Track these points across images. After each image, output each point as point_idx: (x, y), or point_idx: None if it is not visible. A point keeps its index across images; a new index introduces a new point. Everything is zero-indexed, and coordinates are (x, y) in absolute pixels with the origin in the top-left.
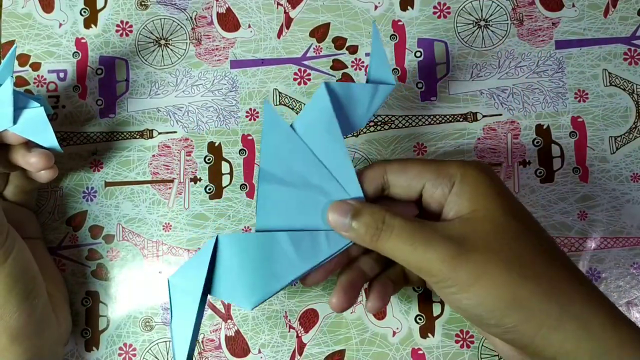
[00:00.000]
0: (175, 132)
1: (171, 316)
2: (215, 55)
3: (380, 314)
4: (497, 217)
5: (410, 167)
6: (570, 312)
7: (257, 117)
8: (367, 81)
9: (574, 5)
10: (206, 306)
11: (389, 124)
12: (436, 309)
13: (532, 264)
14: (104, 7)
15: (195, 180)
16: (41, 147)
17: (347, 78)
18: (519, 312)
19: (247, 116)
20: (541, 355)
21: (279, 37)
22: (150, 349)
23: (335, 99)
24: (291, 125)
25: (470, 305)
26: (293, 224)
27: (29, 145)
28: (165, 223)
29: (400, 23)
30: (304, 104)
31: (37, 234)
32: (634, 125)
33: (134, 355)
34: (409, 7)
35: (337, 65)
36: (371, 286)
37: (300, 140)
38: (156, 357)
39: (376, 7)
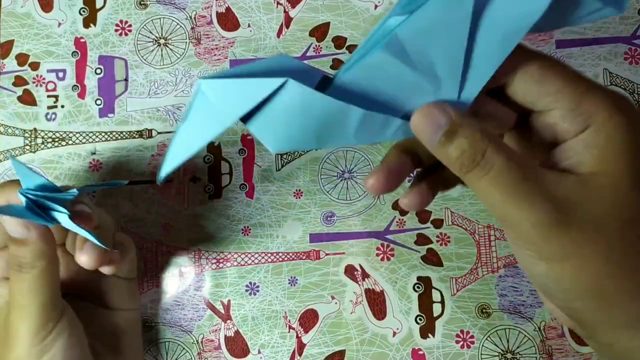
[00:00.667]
0: (174, 131)
1: (184, 120)
2: (215, 55)
3: (380, 314)
4: (622, 190)
5: (550, 80)
6: None
7: None
8: None
9: None
10: (205, 306)
11: None
12: (436, 309)
13: (637, 255)
14: (103, 6)
15: (194, 180)
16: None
17: None
18: (595, 301)
19: None
20: (596, 339)
21: (278, 36)
22: (150, 349)
23: None
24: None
25: (545, 276)
26: (378, 98)
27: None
28: (165, 223)
29: None
30: None
31: (129, 305)
32: None
33: None
34: None
35: (337, 64)
36: (422, 178)
37: (467, 22)
38: (155, 358)
39: (376, 6)
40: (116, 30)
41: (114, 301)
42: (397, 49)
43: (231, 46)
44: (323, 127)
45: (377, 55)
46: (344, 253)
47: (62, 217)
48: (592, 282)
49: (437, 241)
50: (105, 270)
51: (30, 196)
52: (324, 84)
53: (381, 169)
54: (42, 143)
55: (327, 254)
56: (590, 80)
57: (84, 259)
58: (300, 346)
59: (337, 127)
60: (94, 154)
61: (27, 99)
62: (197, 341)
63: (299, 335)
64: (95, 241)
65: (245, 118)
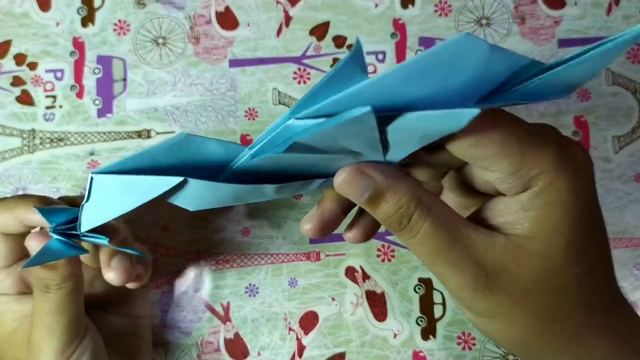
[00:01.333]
0: (173, 132)
1: (85, 200)
2: (214, 54)
3: (381, 316)
4: (555, 259)
5: (486, 143)
6: None
7: (257, 116)
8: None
9: (576, 4)
10: (205, 308)
11: None
12: (438, 311)
13: (565, 318)
14: (102, 5)
15: None
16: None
17: None
18: (523, 352)
19: (246, 116)
20: None
21: (278, 35)
22: None
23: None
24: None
25: (477, 326)
26: (292, 171)
27: (112, 253)
28: (164, 224)
29: (400, 22)
30: None
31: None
32: (637, 125)
33: None
34: (409, 5)
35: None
36: (361, 215)
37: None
38: (154, 358)
39: (377, 5)
40: (114, 30)
41: (131, 309)
42: (299, 147)
43: (230, 46)
44: (239, 196)
45: (279, 154)
46: (344, 254)
47: (103, 241)
48: (518, 337)
49: None
50: (132, 285)
51: (61, 233)
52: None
53: (316, 217)
54: (40, 143)
55: (327, 255)
56: (534, 134)
57: (112, 276)
58: (300, 348)
59: (254, 195)
60: (93, 154)
61: (25, 99)
62: (196, 343)
63: (299, 337)
64: (139, 254)
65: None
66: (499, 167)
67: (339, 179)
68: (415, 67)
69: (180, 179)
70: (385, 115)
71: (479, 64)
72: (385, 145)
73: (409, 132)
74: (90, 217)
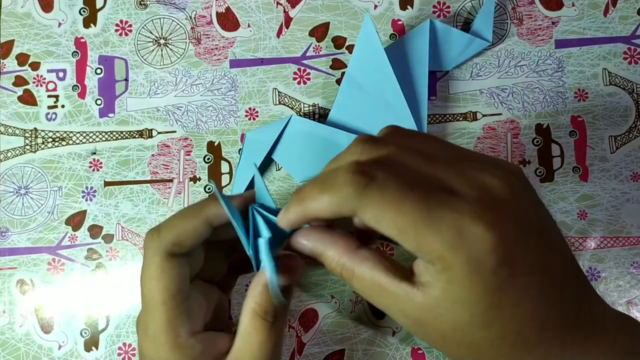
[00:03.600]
0: (174, 131)
1: (240, 160)
2: (215, 55)
3: (380, 314)
4: (462, 322)
5: (385, 224)
6: None
7: (257, 116)
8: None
9: (573, 5)
10: None
11: None
12: None
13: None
14: (103, 6)
15: (194, 179)
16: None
17: None
18: None
19: (246, 115)
20: None
21: (278, 36)
22: None
23: (434, 37)
24: (385, 48)
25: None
26: (359, 125)
27: None
28: None
29: (400, 22)
30: (304, 103)
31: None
32: (633, 125)
33: (134, 355)
34: (408, 7)
35: (337, 64)
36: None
37: (387, 61)
38: None
39: (376, 6)
40: (116, 30)
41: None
42: (351, 81)
43: (231, 46)
44: (326, 153)
45: (343, 87)
46: None
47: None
48: None
49: None
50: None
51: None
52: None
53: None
54: (43, 143)
55: None
56: (432, 220)
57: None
58: (300, 345)
59: (336, 151)
60: (94, 153)
61: (28, 98)
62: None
63: (299, 334)
64: (273, 277)
65: (273, 154)
66: (403, 244)
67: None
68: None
69: (287, 117)
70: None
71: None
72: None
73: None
74: (244, 174)
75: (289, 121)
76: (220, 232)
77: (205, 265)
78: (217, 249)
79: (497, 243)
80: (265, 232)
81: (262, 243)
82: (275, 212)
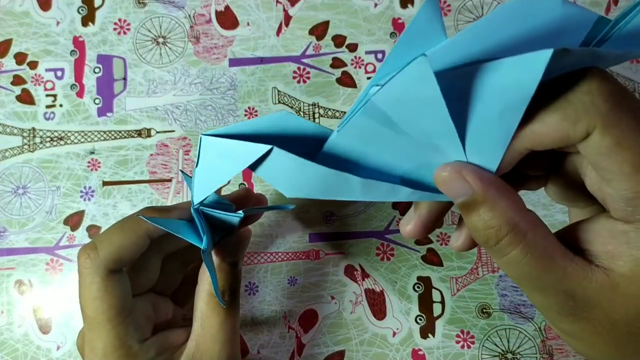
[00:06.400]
0: (173, 131)
1: (196, 165)
2: (214, 54)
3: (380, 314)
4: None
5: (619, 158)
6: None
7: (256, 115)
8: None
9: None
10: None
11: None
12: (437, 309)
13: None
14: (102, 5)
15: None
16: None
17: (346, 76)
18: None
19: (246, 115)
20: None
21: (278, 35)
22: None
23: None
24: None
25: (560, 335)
26: (368, 160)
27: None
28: None
29: (400, 21)
30: (304, 102)
31: None
32: None
33: None
34: (409, 5)
35: (337, 63)
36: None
37: (442, 100)
38: None
39: (376, 4)
40: (115, 29)
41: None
42: (377, 115)
43: (230, 45)
44: (326, 185)
45: (358, 118)
46: (343, 253)
47: (237, 218)
48: (599, 358)
49: (437, 241)
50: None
51: (206, 212)
52: (320, 145)
53: (415, 218)
54: (41, 142)
55: (326, 254)
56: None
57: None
58: (300, 346)
59: (340, 186)
60: (93, 153)
61: (26, 98)
62: None
63: (299, 335)
64: (279, 207)
65: (253, 166)
66: (618, 189)
67: (438, 176)
68: (487, 24)
69: (267, 147)
70: (451, 70)
71: (552, 19)
72: (461, 125)
73: (485, 106)
74: (202, 186)
75: (267, 153)
76: (170, 242)
77: (159, 278)
78: (173, 260)
79: None
80: (204, 242)
81: (203, 254)
82: (221, 203)
